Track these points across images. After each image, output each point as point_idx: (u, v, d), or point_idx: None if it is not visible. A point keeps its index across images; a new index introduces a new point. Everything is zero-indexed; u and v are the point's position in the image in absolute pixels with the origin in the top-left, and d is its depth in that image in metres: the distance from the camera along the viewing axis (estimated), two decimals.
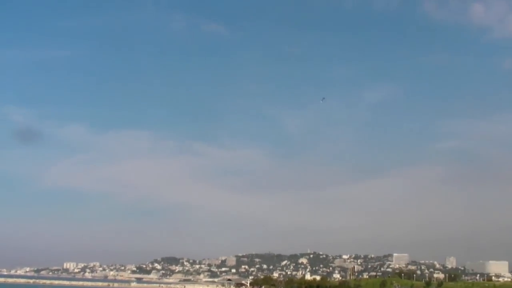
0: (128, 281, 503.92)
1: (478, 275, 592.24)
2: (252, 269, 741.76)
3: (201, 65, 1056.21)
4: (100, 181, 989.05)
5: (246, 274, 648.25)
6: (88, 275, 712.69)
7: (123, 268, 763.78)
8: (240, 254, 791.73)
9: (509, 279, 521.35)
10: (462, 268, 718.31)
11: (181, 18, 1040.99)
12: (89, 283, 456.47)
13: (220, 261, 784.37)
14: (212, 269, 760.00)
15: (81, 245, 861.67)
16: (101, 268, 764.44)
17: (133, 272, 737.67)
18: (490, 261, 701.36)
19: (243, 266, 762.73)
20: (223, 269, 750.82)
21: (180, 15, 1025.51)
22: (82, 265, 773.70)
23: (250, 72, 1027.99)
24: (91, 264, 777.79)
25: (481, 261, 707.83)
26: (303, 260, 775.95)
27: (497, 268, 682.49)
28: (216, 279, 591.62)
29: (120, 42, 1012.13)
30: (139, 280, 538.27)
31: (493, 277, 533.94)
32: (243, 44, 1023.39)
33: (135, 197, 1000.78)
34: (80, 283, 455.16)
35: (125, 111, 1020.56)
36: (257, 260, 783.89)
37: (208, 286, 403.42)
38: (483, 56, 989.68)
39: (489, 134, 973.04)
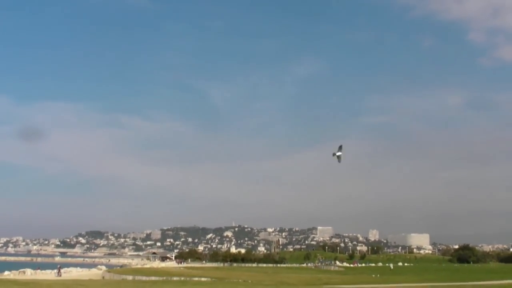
0: (52, 256, 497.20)
1: (400, 247, 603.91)
2: (177, 242, 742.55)
3: (125, 37, 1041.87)
4: (23, 153, 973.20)
5: (171, 248, 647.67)
6: (10, 249, 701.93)
7: (46, 242, 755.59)
8: (165, 228, 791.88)
9: (430, 251, 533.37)
10: (385, 241, 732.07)
11: None
12: (12, 258, 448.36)
13: (145, 235, 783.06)
14: (137, 242, 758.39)
15: (3, 219, 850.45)
16: (24, 243, 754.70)
17: (57, 246, 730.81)
18: (412, 234, 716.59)
19: (168, 240, 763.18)
20: (148, 242, 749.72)
21: None
22: (5, 239, 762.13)
23: (174, 45, 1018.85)
24: (14, 239, 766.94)
25: (403, 234, 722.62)
26: (228, 233, 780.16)
27: (418, 240, 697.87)
28: (141, 253, 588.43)
29: (42, 11, 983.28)
30: (63, 254, 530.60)
31: (414, 250, 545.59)
32: (167, 16, 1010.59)
33: (59, 170, 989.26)
34: (3, 258, 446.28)
35: (49, 83, 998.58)
36: (182, 233, 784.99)
37: (133, 259, 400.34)
38: (406, 33, 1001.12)
39: (413, 110, 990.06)
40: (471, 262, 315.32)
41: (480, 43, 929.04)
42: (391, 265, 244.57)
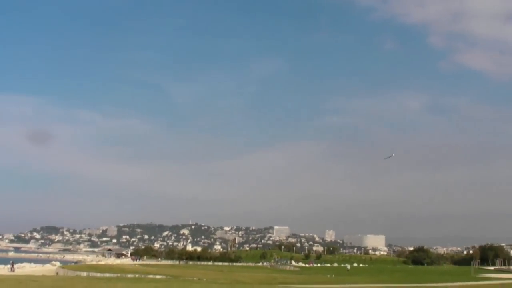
0: (6, 251, 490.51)
1: (356, 248, 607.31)
2: (133, 239, 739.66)
3: (86, 32, 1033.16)
4: None
5: (127, 244, 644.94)
6: None
7: (0, 237, 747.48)
8: (122, 224, 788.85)
9: (385, 253, 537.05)
10: (341, 242, 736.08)
11: None
12: None
13: (101, 231, 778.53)
14: (92, 238, 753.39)
15: None
16: None
17: (11, 241, 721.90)
18: (368, 235, 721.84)
19: (124, 236, 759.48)
20: (104, 239, 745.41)
21: None
22: None
23: (137, 42, 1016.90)
24: None
25: (359, 235, 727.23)
26: (185, 231, 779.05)
27: (374, 242, 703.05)
28: (96, 249, 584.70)
29: (8, 5, 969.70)
30: (17, 250, 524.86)
31: (370, 251, 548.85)
32: (130, 13, 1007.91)
33: (15, 164, 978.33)
34: None
35: (9, 75, 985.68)
36: (138, 230, 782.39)
37: (88, 256, 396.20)
38: (367, 36, 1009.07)
39: (372, 112, 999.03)
40: (425, 264, 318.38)
41: (440, 47, 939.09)
42: (348, 266, 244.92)
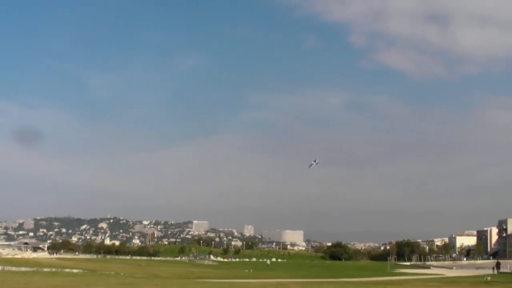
0: None
1: (275, 243, 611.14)
2: (50, 232, 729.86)
3: (5, 20, 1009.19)
4: None
5: (44, 238, 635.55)
6: None
7: None
8: (39, 217, 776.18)
9: (304, 248, 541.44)
10: (260, 236, 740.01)
11: None
12: None
13: (17, 224, 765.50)
14: (8, 232, 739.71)
15: None
16: None
17: None
18: (286, 230, 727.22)
19: (41, 230, 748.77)
20: (21, 232, 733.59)
21: None
22: None
23: (56, 30, 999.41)
24: None
25: (277, 230, 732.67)
26: (103, 225, 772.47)
27: (292, 237, 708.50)
28: (12, 243, 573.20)
29: None
30: None
31: (288, 246, 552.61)
32: (49, 2, 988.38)
33: None
34: None
35: None
36: (56, 223, 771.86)
37: (3, 249, 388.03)
38: (289, 32, 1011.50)
39: (293, 108, 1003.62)
40: (343, 259, 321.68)
41: (361, 45, 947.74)
42: (268, 261, 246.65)
